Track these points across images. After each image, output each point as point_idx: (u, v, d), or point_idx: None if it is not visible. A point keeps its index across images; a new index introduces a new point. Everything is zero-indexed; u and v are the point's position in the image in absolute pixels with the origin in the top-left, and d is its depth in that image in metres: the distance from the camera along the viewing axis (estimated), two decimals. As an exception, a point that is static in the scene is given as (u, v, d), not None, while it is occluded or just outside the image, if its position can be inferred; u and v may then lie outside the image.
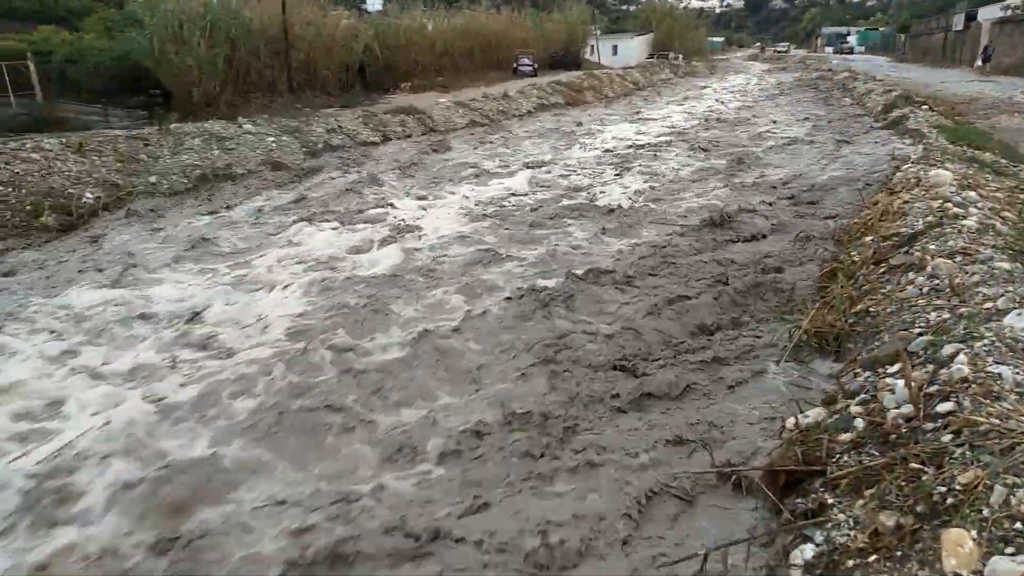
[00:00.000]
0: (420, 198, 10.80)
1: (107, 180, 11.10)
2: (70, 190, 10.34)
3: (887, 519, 2.46)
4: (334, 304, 6.30)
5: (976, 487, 2.37)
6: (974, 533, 2.21)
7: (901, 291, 4.74)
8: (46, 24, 24.51)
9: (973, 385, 3.01)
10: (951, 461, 2.56)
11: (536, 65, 35.75)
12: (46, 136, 12.15)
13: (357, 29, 25.82)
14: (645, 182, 11.53)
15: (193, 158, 12.78)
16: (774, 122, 19.58)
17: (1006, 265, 4.59)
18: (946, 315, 4.00)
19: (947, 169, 7.80)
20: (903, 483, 2.60)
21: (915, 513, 2.44)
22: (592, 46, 49.33)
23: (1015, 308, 3.75)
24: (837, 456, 3.06)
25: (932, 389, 3.13)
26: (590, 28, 49.98)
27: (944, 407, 2.94)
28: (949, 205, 6.19)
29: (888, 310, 4.57)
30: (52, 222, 9.49)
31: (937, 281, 4.58)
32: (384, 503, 3.57)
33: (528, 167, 13.26)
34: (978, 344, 3.38)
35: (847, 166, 11.73)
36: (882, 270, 5.38)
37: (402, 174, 12.91)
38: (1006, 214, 6.20)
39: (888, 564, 2.33)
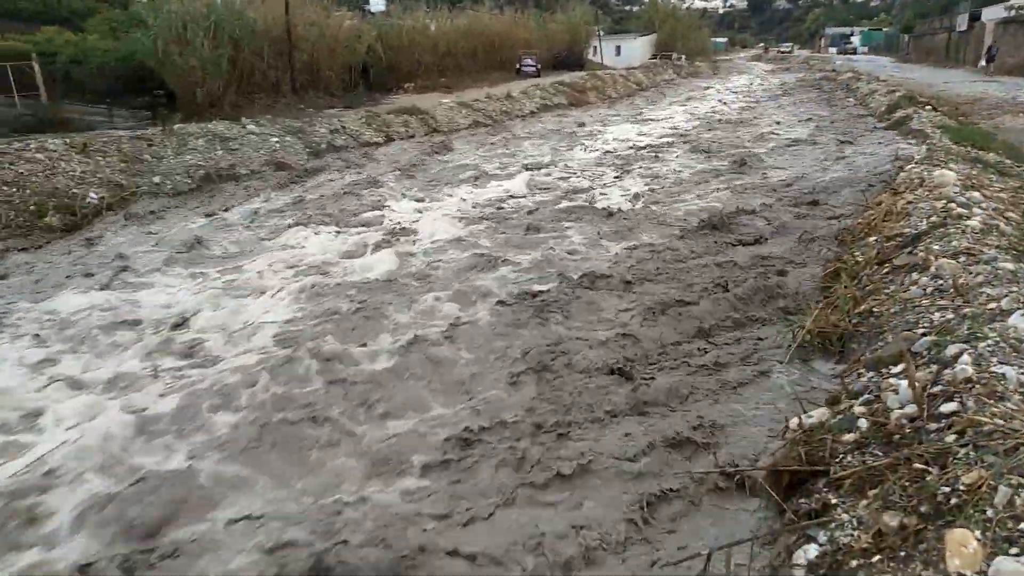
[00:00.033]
0: (417, 200, 10.70)
1: (111, 180, 11.12)
2: (74, 190, 10.36)
3: (891, 519, 2.46)
4: (324, 310, 6.21)
5: (980, 487, 2.36)
6: (978, 533, 2.21)
7: (905, 291, 4.73)
8: (50, 25, 24.56)
9: (977, 385, 3.00)
10: (955, 461, 2.56)
11: (539, 66, 35.73)
12: (50, 136, 12.19)
13: (360, 30, 25.83)
14: (646, 184, 11.45)
15: (197, 158, 12.81)
16: (777, 123, 19.56)
17: (1010, 265, 4.58)
18: (950, 315, 4.00)
19: (951, 169, 7.78)
20: (907, 483, 2.60)
21: (919, 513, 2.43)
22: (595, 47, 49.28)
23: (1019, 308, 3.74)
24: (840, 456, 3.06)
25: (936, 389, 3.12)
26: (593, 29, 49.94)
27: (948, 407, 2.93)
28: (953, 205, 6.18)
29: (892, 310, 4.56)
30: (56, 222, 9.51)
31: (941, 281, 4.57)
32: (369, 517, 3.45)
33: (528, 169, 13.15)
34: (982, 344, 3.38)
35: (850, 167, 11.70)
36: (886, 270, 5.37)
37: (401, 175, 12.85)
38: (1010, 214, 6.18)
39: (892, 564, 2.32)
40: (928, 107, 16.84)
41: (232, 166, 12.97)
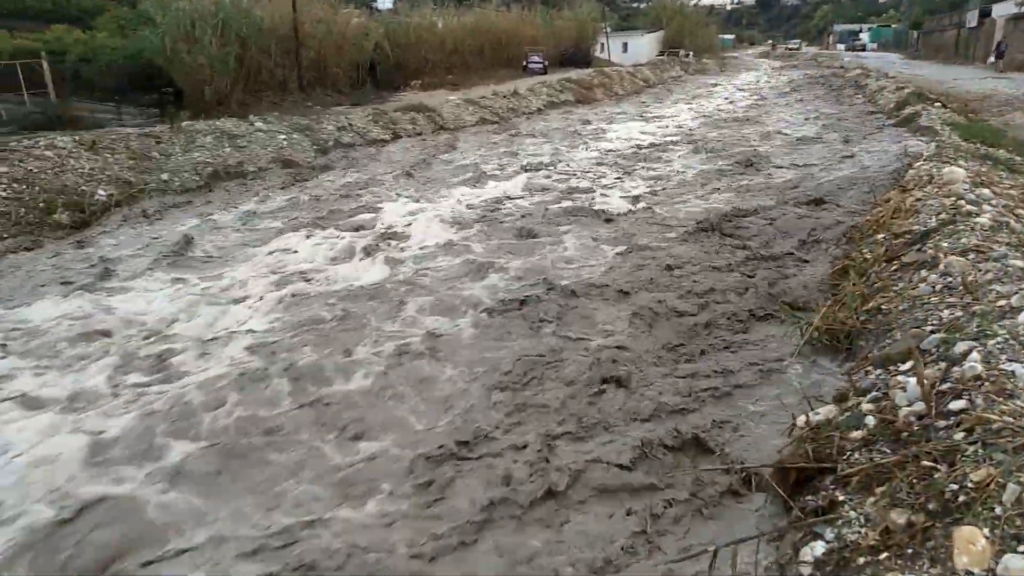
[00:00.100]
0: (414, 202, 10.44)
1: (120, 177, 11.17)
2: (83, 187, 10.42)
3: (898, 517, 2.45)
4: (305, 320, 5.98)
5: (988, 485, 2.36)
6: (986, 531, 2.20)
7: (913, 289, 4.71)
8: (59, 23, 24.68)
9: (986, 383, 2.99)
10: (963, 459, 2.55)
11: (546, 63, 35.69)
12: (59, 134, 12.25)
13: (367, 27, 25.86)
14: (648, 186, 11.17)
15: (205, 155, 12.86)
16: (784, 120, 19.48)
17: (1020, 263, 4.55)
18: (959, 313, 3.98)
19: (960, 166, 7.74)
20: (915, 481, 2.59)
21: (927, 511, 2.43)
22: (602, 44, 49.22)
23: (1029, 306, 3.72)
24: (848, 453, 3.05)
25: (944, 387, 3.11)
26: (600, 25, 49.88)
27: (956, 405, 2.92)
28: (962, 202, 6.15)
29: (900, 308, 4.55)
30: (65, 219, 9.57)
31: (950, 279, 4.55)
32: (336, 547, 3.26)
33: (527, 169, 12.86)
34: (991, 342, 3.36)
35: (858, 165, 11.65)
36: (894, 267, 5.35)
37: (402, 175, 12.67)
38: (1020, 211, 6.15)
39: (899, 562, 2.32)
40: (937, 104, 16.76)
41: (240, 163, 13.02)
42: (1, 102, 16.09)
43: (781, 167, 12.28)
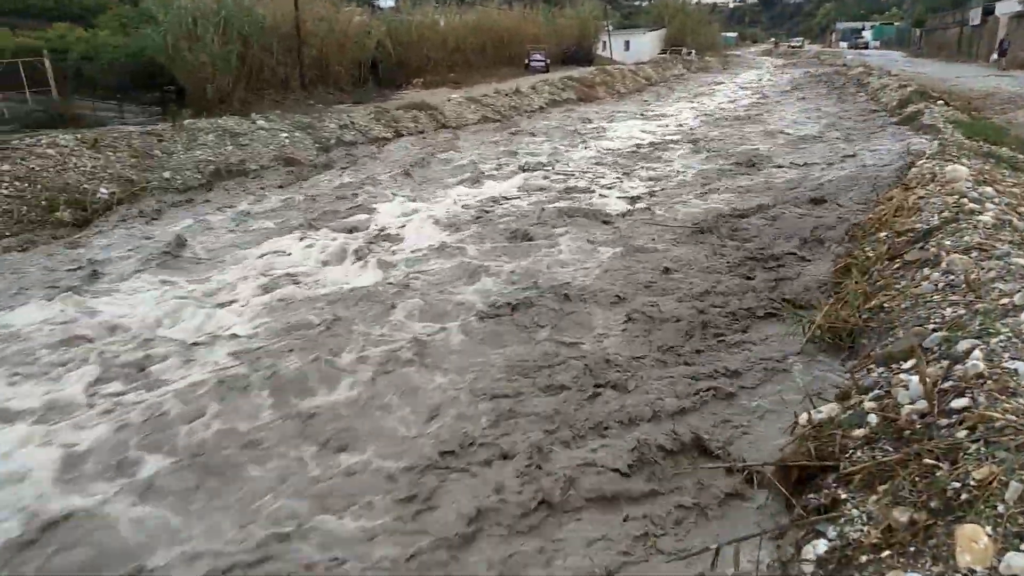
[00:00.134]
0: (410, 202, 10.30)
1: (122, 175, 11.18)
2: (85, 185, 10.43)
3: (900, 515, 2.45)
4: (292, 324, 5.83)
5: (991, 483, 2.35)
6: (989, 529, 2.20)
7: (916, 287, 4.71)
8: (61, 21, 24.69)
9: (988, 381, 2.99)
10: (966, 457, 2.54)
11: (548, 61, 35.65)
12: (61, 132, 12.27)
13: (369, 25, 25.86)
14: (647, 187, 11.03)
15: (207, 154, 12.86)
16: (786, 119, 19.45)
17: (1022, 261, 4.54)
18: (961, 311, 3.97)
19: (963, 164, 7.73)
20: (917, 479, 2.59)
21: (929, 509, 2.42)
22: (604, 42, 49.14)
23: (1032, 304, 3.72)
24: (850, 452, 3.05)
25: (947, 385, 3.11)
26: (602, 24, 49.79)
27: (959, 403, 2.92)
28: (965, 200, 6.14)
29: (902, 306, 4.54)
30: (67, 217, 9.58)
31: (952, 277, 4.55)
32: (314, 564, 3.16)
33: (525, 170, 12.70)
34: (994, 340, 3.36)
35: (860, 164, 11.61)
36: (897, 266, 5.35)
37: (400, 174, 12.56)
38: (1023, 209, 6.14)
39: (901, 560, 2.32)
40: (940, 102, 16.73)
41: (242, 161, 13.03)
42: (3, 100, 16.10)
43: (783, 166, 12.22)
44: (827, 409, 3.50)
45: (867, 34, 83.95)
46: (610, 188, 10.99)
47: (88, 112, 16.48)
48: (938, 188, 6.93)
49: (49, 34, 21.32)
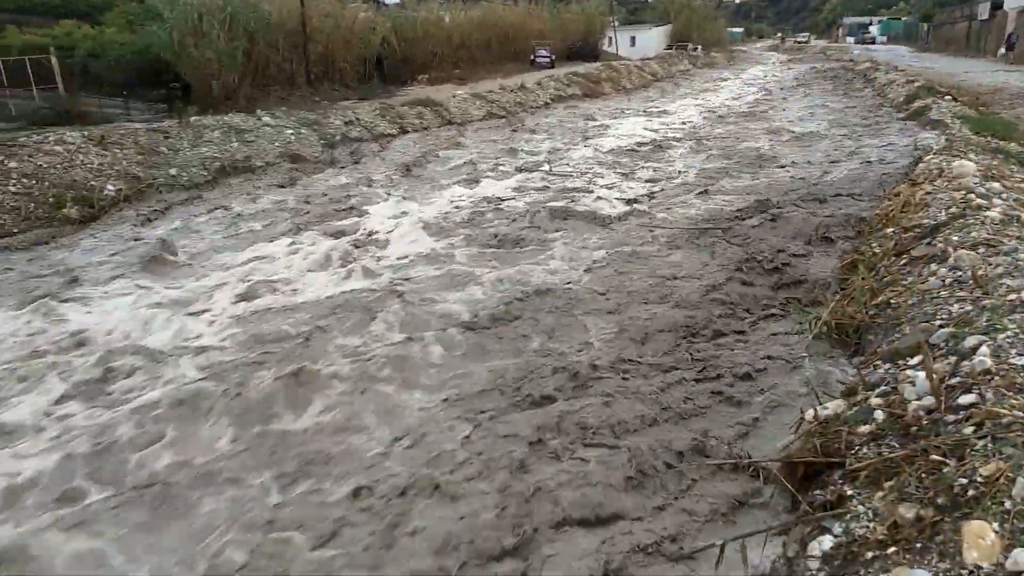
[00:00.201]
0: (405, 203, 10.09)
1: (128, 172, 11.21)
2: (92, 182, 10.46)
3: (907, 511, 2.45)
4: (267, 335, 5.61)
5: (998, 479, 2.35)
6: (996, 525, 2.19)
7: (923, 283, 4.69)
8: (68, 19, 24.79)
9: (996, 377, 2.98)
10: (973, 453, 2.54)
11: (554, 57, 35.59)
12: (68, 129, 12.30)
13: (375, 21, 25.86)
14: (647, 188, 10.73)
15: (213, 150, 12.88)
16: (792, 115, 19.36)
17: (1031, 257, 4.52)
18: (969, 307, 3.96)
19: (970, 160, 7.69)
20: (923, 475, 2.58)
21: (935, 505, 2.42)
22: (610, 37, 48.99)
23: (1039, 300, 3.70)
24: (856, 448, 3.04)
25: (954, 381, 3.10)
26: (608, 19, 49.65)
27: (966, 399, 2.91)
28: (972, 196, 6.12)
29: (909, 302, 4.52)
30: (74, 214, 9.61)
31: (960, 273, 4.53)
32: None
33: (525, 169, 12.48)
34: (1001, 336, 3.35)
35: (866, 161, 11.55)
36: (903, 262, 5.33)
37: (398, 173, 12.42)
38: (1031, 205, 6.11)
39: (907, 556, 2.31)
40: (947, 97, 16.63)
41: (247, 158, 13.04)
42: (11, 97, 16.16)
43: (787, 164, 12.08)
44: (833, 405, 3.50)
45: (874, 29, 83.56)
46: (609, 189, 10.75)
47: (95, 109, 16.52)
48: (945, 184, 6.90)
49: (56, 31, 21.45)
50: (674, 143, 15.27)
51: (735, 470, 3.57)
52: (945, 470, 2.53)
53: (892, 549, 2.38)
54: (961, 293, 4.24)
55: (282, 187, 11.73)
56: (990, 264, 4.49)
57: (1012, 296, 3.87)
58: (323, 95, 21.35)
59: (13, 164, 10.04)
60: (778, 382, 4.48)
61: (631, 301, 6.11)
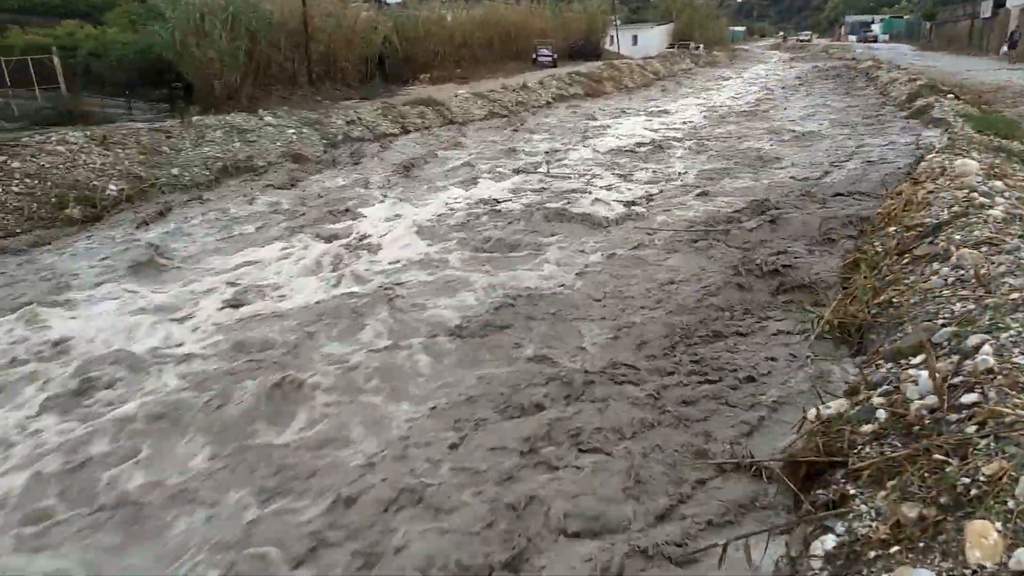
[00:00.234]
0: (399, 204, 9.99)
1: (130, 172, 11.22)
2: (94, 182, 10.47)
3: (909, 510, 2.44)
4: (252, 343, 5.47)
5: (1001, 478, 2.34)
6: (999, 525, 2.19)
7: (925, 281, 4.68)
8: (70, 19, 24.81)
9: (999, 376, 2.98)
10: (975, 452, 2.54)
11: (555, 56, 35.57)
12: (70, 129, 12.31)
13: (376, 21, 25.86)
14: (646, 189, 10.54)
15: (215, 150, 12.89)
16: (793, 114, 19.31)
17: (1033, 255, 4.51)
18: (971, 306, 3.95)
19: (973, 158, 7.68)
20: (926, 474, 2.58)
21: (938, 504, 2.42)
22: (612, 36, 48.95)
23: (1042, 299, 3.69)
24: (859, 447, 3.04)
25: (956, 380, 3.10)
26: (610, 18, 49.63)
27: (969, 398, 2.91)
28: (975, 195, 6.11)
29: (912, 301, 4.52)
30: (77, 214, 9.62)
31: (962, 271, 4.52)
32: None
33: (522, 171, 12.31)
34: (1004, 335, 3.34)
35: (868, 160, 11.53)
36: (906, 260, 5.32)
37: (396, 174, 12.31)
38: (1034, 204, 6.09)
39: (910, 555, 2.31)
40: (950, 95, 16.61)
41: (249, 158, 13.05)
42: (13, 97, 16.18)
43: (789, 164, 12.02)
44: (835, 405, 3.50)
45: (876, 27, 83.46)
46: (608, 190, 10.62)
47: (97, 109, 16.53)
48: (948, 182, 6.90)
49: (58, 31, 21.45)
50: (675, 144, 15.13)
51: (737, 470, 3.56)
52: (948, 469, 2.53)
53: (895, 548, 2.38)
54: (964, 292, 4.23)
55: (281, 188, 11.63)
56: (993, 263, 4.49)
57: (1015, 295, 3.86)
58: (325, 95, 21.36)
59: (16, 164, 10.06)
60: (780, 382, 4.48)
61: (629, 305, 6.02)
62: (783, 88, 28.27)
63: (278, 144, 14.03)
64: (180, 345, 5.58)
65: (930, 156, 8.67)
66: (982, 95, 17.67)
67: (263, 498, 3.66)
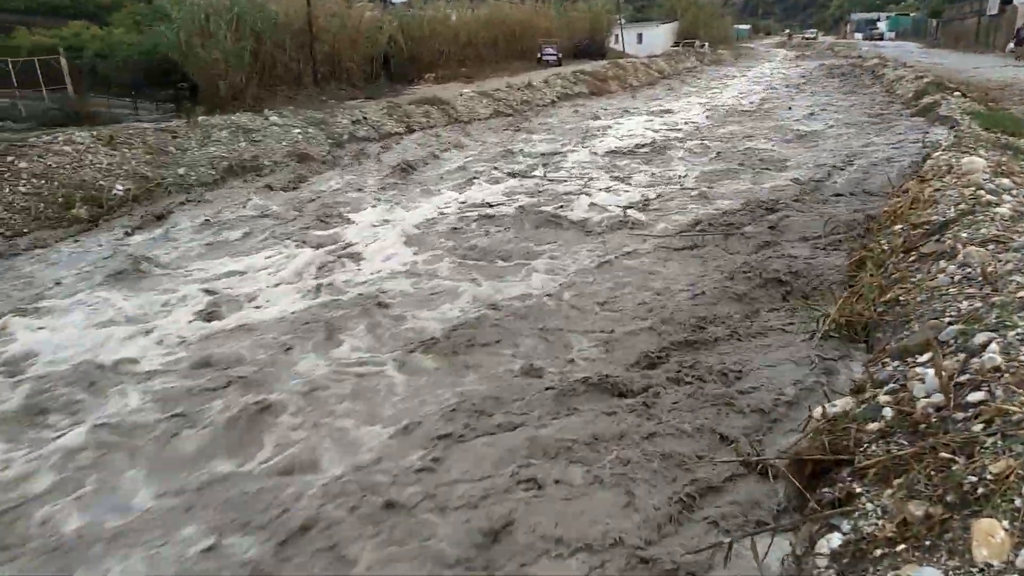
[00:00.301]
0: (392, 209, 9.83)
1: (137, 172, 11.26)
2: (101, 182, 10.51)
3: (916, 509, 2.44)
4: (222, 358, 5.23)
5: (1008, 477, 2.34)
6: (1006, 523, 2.18)
7: (932, 280, 4.67)
8: (77, 19, 24.91)
9: (1006, 374, 2.97)
10: (982, 450, 2.53)
11: (560, 54, 35.59)
12: (77, 129, 12.35)
13: (381, 20, 25.90)
14: (644, 193, 10.35)
15: (220, 150, 12.92)
16: (798, 113, 19.22)
17: (1041, 253, 4.49)
18: (978, 304, 3.94)
19: (980, 156, 7.65)
20: (932, 472, 2.57)
21: (945, 503, 2.41)
22: (617, 35, 48.93)
23: (1050, 297, 3.68)
24: (865, 445, 3.03)
25: (963, 378, 3.09)
26: (615, 17, 49.60)
27: (975, 396, 2.90)
28: (982, 192, 6.08)
29: (918, 299, 4.50)
30: (83, 214, 9.66)
31: (969, 269, 4.51)
32: None
33: (519, 175, 12.12)
34: (1011, 333, 3.33)
35: (874, 159, 11.49)
36: (912, 258, 5.30)
37: (394, 177, 12.21)
38: (1041, 201, 6.07)
39: (917, 554, 2.30)
40: (957, 93, 16.54)
41: (255, 157, 13.07)
42: (20, 98, 16.27)
43: (793, 164, 11.95)
44: (842, 403, 3.49)
45: (882, 25, 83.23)
46: (607, 192, 10.48)
47: (103, 109, 16.61)
48: (954, 180, 6.87)
49: (64, 32, 21.57)
50: (677, 144, 15.00)
51: (743, 468, 3.56)
52: (954, 467, 2.52)
53: (901, 547, 2.37)
54: (970, 290, 4.22)
55: (284, 190, 11.58)
56: (1000, 261, 4.47)
57: (1022, 293, 3.85)
58: (330, 94, 21.40)
59: (23, 164, 10.10)
60: (786, 380, 4.47)
61: (627, 310, 5.96)
62: (788, 86, 28.20)
63: (284, 144, 14.05)
64: (147, 360, 5.27)
65: (937, 154, 8.64)
66: (989, 92, 17.59)
67: (212, 537, 3.33)
